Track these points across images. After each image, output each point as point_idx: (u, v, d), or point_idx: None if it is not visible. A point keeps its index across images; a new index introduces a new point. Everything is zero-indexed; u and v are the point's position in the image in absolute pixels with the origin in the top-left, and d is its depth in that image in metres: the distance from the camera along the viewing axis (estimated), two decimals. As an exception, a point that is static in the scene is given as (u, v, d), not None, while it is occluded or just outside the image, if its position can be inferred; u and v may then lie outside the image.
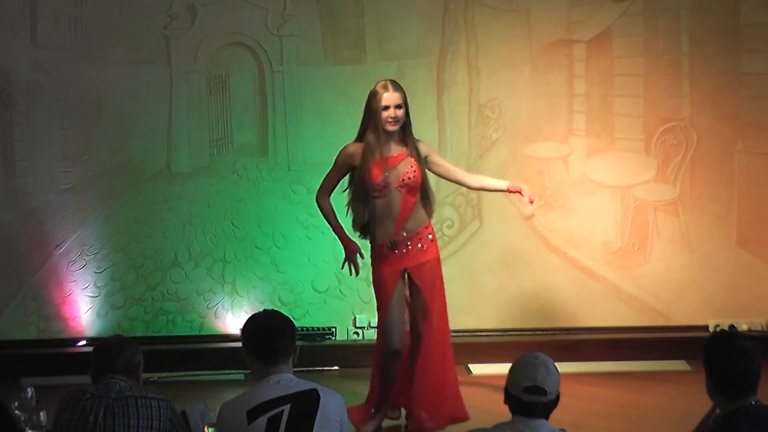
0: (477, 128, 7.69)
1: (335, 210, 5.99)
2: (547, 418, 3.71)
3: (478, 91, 7.67)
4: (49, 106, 7.52)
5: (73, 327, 7.53)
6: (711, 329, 7.58)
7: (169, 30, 7.58)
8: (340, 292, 7.60)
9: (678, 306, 7.74)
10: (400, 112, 5.86)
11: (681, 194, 7.71)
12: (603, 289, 7.73)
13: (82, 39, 7.52)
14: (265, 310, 4.25)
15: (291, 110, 7.65)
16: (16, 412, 4.72)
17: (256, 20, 7.62)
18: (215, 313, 7.61)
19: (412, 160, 5.90)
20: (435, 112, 7.66)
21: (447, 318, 6.11)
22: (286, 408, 3.96)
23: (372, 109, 5.90)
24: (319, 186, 6.04)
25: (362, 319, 7.58)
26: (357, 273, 6.05)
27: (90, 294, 7.54)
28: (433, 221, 7.55)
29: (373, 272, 6.01)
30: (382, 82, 5.93)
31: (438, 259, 6.06)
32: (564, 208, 7.73)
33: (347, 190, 5.98)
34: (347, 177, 5.98)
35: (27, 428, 4.71)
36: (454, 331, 7.59)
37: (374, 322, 7.50)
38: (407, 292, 6.01)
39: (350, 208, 5.98)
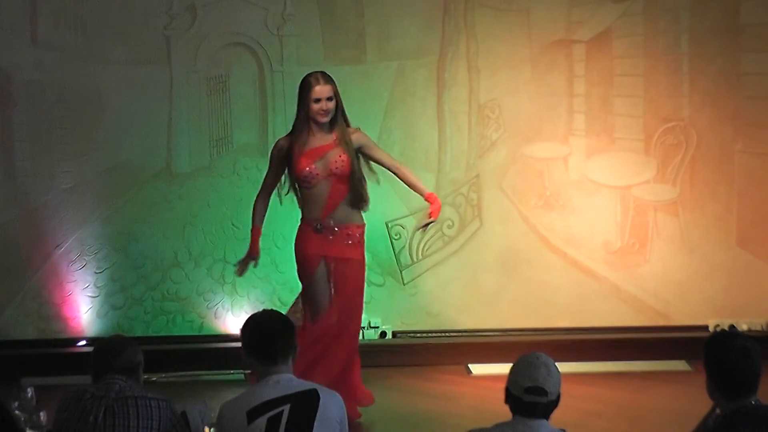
0: (477, 128, 7.69)
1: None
2: (547, 418, 3.72)
3: (478, 91, 7.67)
4: (49, 106, 7.51)
5: (73, 327, 7.53)
6: (711, 329, 7.58)
7: (169, 30, 7.58)
8: (340, 292, 7.61)
9: (678, 306, 7.74)
10: (331, 104, 6.01)
11: (681, 194, 7.71)
12: (603, 289, 7.73)
13: (82, 39, 7.52)
14: (264, 310, 4.27)
15: (291, 110, 7.57)
16: (17, 412, 4.73)
17: (256, 20, 7.62)
18: (215, 313, 7.61)
19: (340, 149, 6.02)
20: (435, 112, 7.66)
21: (359, 322, 6.29)
22: (286, 408, 3.97)
23: (304, 102, 6.04)
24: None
25: (362, 319, 7.57)
26: (240, 274, 6.32)
27: (90, 294, 7.54)
28: (432, 221, 7.63)
29: (296, 252, 6.22)
30: (314, 75, 6.07)
31: (362, 262, 6.20)
32: (564, 208, 7.72)
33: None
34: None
35: (27, 428, 4.72)
36: (455, 331, 7.67)
37: (374, 322, 7.59)
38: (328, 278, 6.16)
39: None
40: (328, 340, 6.11)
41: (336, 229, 6.07)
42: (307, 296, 6.24)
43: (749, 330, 7.59)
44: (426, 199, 6.22)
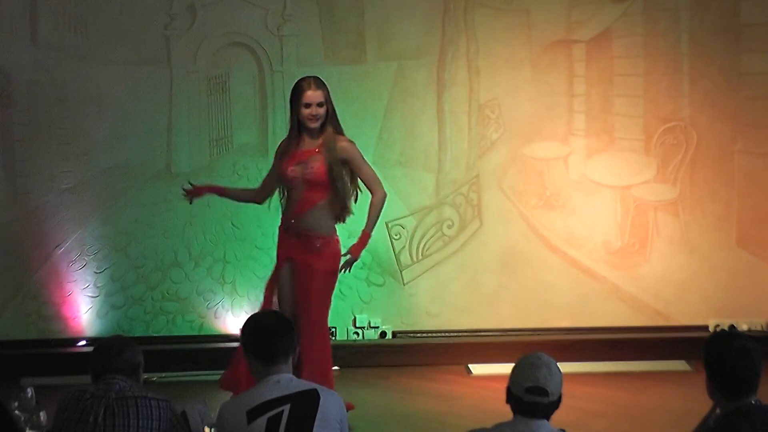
0: (477, 128, 7.69)
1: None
2: (548, 418, 3.72)
3: (478, 91, 7.67)
4: (49, 106, 7.51)
5: (73, 327, 7.53)
6: (711, 329, 7.58)
7: (169, 30, 7.58)
8: (340, 292, 7.57)
9: (678, 306, 7.74)
10: (321, 110, 5.97)
11: (681, 194, 7.71)
12: (603, 289, 7.73)
13: (82, 39, 7.52)
14: (264, 310, 4.26)
15: (291, 110, 7.65)
16: (16, 412, 4.72)
17: (256, 20, 7.62)
18: (215, 313, 7.61)
19: (320, 157, 5.95)
20: (435, 112, 7.66)
21: (326, 333, 6.06)
22: (286, 408, 3.97)
23: (295, 106, 6.02)
24: None
25: (362, 319, 7.58)
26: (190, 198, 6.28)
27: (90, 294, 7.54)
28: (433, 221, 7.63)
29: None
30: (306, 80, 6.04)
31: (329, 274, 5.97)
32: (564, 208, 7.73)
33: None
34: None
35: (27, 428, 4.72)
36: (454, 331, 7.67)
37: (374, 322, 7.59)
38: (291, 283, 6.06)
39: None
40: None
41: (300, 233, 5.95)
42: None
43: (749, 330, 7.60)
44: (361, 235, 6.02)
